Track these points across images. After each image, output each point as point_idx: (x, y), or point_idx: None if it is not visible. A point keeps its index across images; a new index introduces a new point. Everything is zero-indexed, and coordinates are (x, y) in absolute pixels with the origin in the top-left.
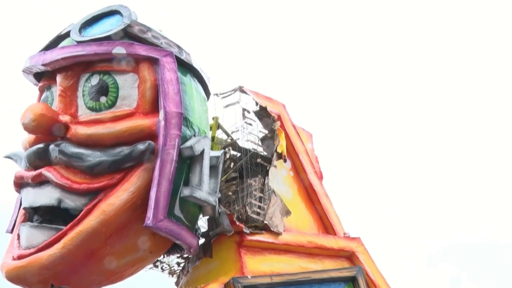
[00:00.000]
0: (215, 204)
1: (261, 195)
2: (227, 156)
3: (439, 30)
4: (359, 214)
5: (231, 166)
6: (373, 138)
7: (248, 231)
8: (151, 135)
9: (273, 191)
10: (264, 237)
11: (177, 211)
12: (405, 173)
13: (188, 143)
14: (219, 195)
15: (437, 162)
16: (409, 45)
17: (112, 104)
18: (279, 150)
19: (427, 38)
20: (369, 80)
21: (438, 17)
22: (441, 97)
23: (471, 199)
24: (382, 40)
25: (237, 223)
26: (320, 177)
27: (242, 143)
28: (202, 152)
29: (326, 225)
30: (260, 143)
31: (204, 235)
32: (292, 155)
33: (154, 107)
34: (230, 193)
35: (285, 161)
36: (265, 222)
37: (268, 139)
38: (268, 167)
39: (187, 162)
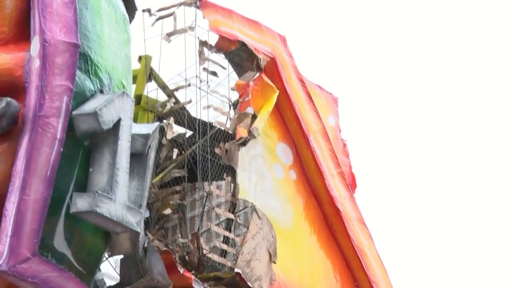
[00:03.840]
0: (138, 230)
1: (231, 216)
2: (168, 135)
3: None
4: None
5: (174, 156)
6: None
7: None
8: (13, 86)
9: (255, 209)
10: None
11: (59, 242)
12: None
13: (88, 106)
14: (147, 212)
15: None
16: None
17: None
18: (253, 125)
19: None
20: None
21: None
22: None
23: None
24: None
25: (181, 270)
26: (352, 184)
27: (197, 111)
28: (117, 125)
29: (358, 279)
30: (232, 112)
31: None
32: (295, 138)
33: (22, 31)
34: (168, 210)
35: (250, 138)
36: (236, 270)
37: (248, 105)
38: (236, 159)
39: (85, 145)
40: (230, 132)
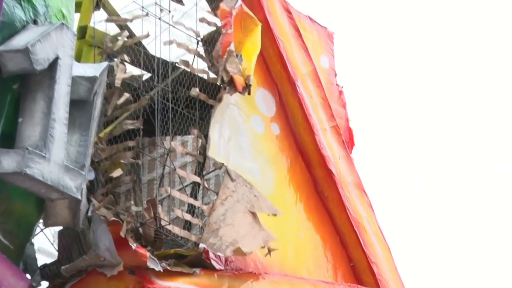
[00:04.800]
0: (79, 196)
1: (198, 179)
2: (119, 77)
3: None
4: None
5: (126, 103)
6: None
7: (159, 267)
8: None
9: (227, 170)
10: (198, 284)
11: None
12: None
13: (17, 41)
14: (92, 174)
15: None
16: None
17: None
18: (245, 71)
19: None
20: None
21: None
22: None
23: None
24: None
25: (133, 245)
26: (349, 142)
27: (156, 47)
28: (53, 65)
29: (354, 259)
30: (202, 49)
31: (48, 273)
32: (279, 83)
33: None
34: (119, 171)
35: (249, 92)
36: (201, 245)
37: (230, 40)
38: (213, 109)
39: (13, 89)
40: (223, 76)
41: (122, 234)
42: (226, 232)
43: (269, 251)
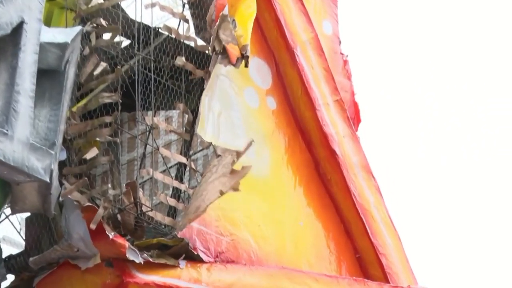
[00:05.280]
0: (47, 179)
1: (183, 160)
2: (94, 44)
3: None
4: None
5: (105, 74)
6: None
7: (140, 259)
8: None
9: (213, 147)
10: (184, 278)
11: None
12: None
13: None
14: (64, 154)
15: None
16: None
17: None
18: (240, 39)
19: None
20: None
21: None
22: None
23: None
24: None
25: (111, 235)
26: (355, 118)
27: (136, 11)
28: (18, 30)
29: (360, 250)
30: (188, 13)
31: (15, 266)
32: (276, 51)
33: None
34: (95, 151)
35: (246, 64)
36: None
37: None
38: (205, 81)
39: None
40: (214, 45)
41: (93, 224)
42: (207, 194)
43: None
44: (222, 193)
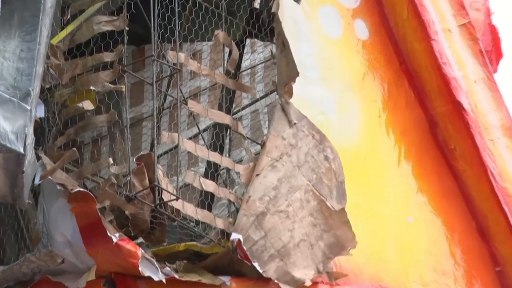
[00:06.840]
0: (20, 150)
1: (227, 120)
2: None
3: None
4: None
5: None
6: None
7: (160, 275)
8: None
9: (280, 103)
10: None
11: None
12: None
13: None
14: (43, 110)
15: None
16: None
17: None
18: None
19: None
20: None
21: None
22: None
23: None
24: None
25: (114, 236)
26: (493, 51)
27: None
28: None
29: (502, 260)
30: None
31: None
32: None
33: None
34: (89, 105)
35: None
36: (233, 236)
37: None
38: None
39: None
40: None
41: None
42: (275, 225)
43: (335, 277)
44: None
